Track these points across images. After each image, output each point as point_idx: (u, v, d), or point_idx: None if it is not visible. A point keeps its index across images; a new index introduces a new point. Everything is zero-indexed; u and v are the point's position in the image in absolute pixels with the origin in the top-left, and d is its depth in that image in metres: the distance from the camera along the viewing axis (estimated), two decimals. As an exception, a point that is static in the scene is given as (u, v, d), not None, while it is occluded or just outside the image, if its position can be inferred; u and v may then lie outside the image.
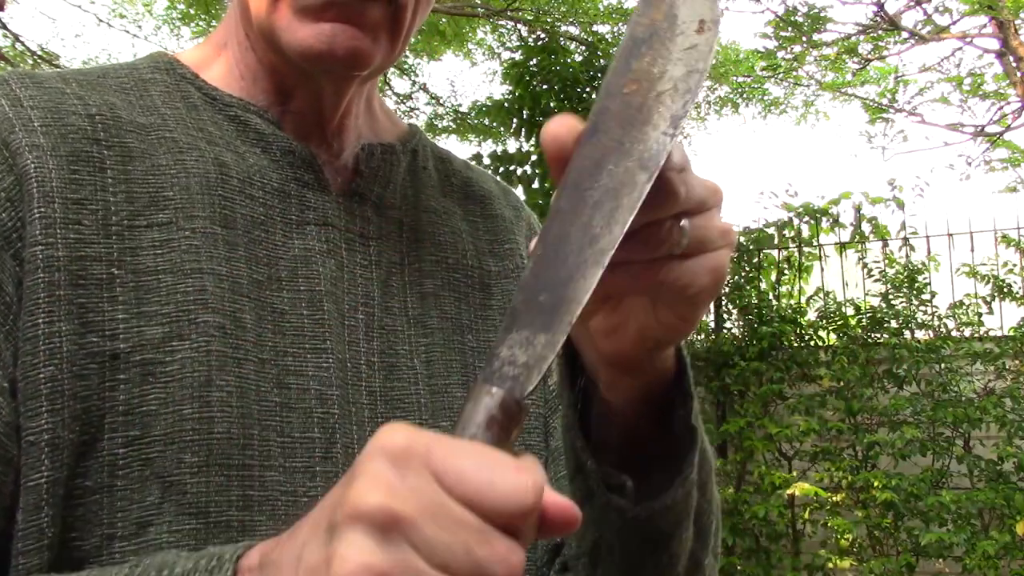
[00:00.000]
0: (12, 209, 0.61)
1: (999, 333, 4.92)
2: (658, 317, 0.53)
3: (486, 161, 5.93)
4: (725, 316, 5.44)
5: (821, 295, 5.21)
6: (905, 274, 5.03)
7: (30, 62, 9.24)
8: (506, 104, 6.20)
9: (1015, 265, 5.04)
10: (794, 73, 9.48)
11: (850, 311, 5.11)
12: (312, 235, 0.70)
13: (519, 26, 9.18)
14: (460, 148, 10.24)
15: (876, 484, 4.30)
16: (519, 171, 5.89)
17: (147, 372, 0.60)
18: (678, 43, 0.49)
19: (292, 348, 0.66)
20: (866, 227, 5.42)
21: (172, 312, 0.62)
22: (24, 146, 0.62)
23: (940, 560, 4.39)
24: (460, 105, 10.46)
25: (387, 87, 9.82)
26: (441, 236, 0.79)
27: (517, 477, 0.37)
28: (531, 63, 6.05)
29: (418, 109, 10.66)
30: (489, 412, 0.43)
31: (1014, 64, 7.49)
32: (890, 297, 4.99)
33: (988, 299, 4.98)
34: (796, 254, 5.55)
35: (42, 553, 0.57)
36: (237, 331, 0.63)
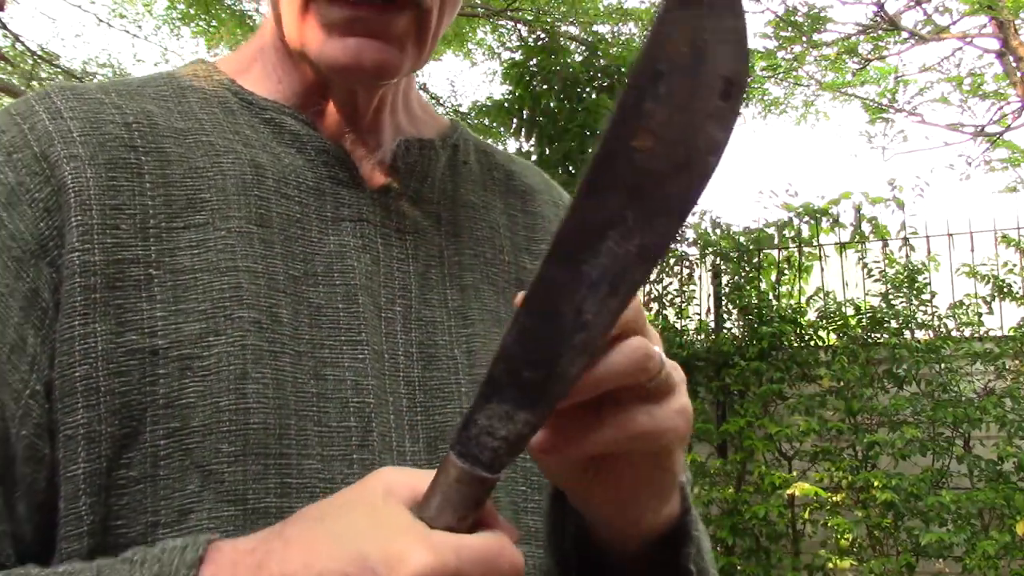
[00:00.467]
0: (49, 219, 0.64)
1: (999, 333, 4.92)
2: (642, 477, 0.56)
3: (486, 161, 5.92)
4: (725, 316, 5.45)
5: (821, 295, 5.21)
6: (905, 274, 5.03)
7: (30, 62, 9.24)
8: (506, 104, 6.20)
9: (1015, 265, 5.05)
10: (794, 73, 9.49)
11: (850, 311, 5.11)
12: (347, 231, 0.72)
13: (519, 26, 9.18)
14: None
15: (876, 484, 4.30)
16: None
17: (185, 367, 0.63)
18: (701, 99, 0.42)
19: (328, 341, 0.68)
20: (866, 227, 5.42)
21: (208, 309, 0.64)
22: (63, 158, 0.66)
23: (940, 560, 4.40)
24: (460, 105, 10.47)
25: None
26: (479, 231, 0.81)
27: (513, 571, 0.47)
28: (531, 63, 6.05)
29: (418, 109, 10.65)
30: (477, 498, 0.47)
31: (1014, 64, 7.50)
32: (890, 297, 4.99)
33: (988, 299, 4.98)
34: (796, 254, 5.55)
35: (82, 539, 0.60)
36: (273, 325, 0.66)
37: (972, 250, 5.26)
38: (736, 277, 5.41)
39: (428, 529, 0.46)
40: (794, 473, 4.78)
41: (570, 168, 5.84)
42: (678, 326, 5.46)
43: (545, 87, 6.02)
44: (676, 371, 0.54)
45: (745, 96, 0.45)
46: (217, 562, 0.51)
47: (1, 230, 0.64)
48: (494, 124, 6.75)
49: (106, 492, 0.61)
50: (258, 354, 0.64)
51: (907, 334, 4.88)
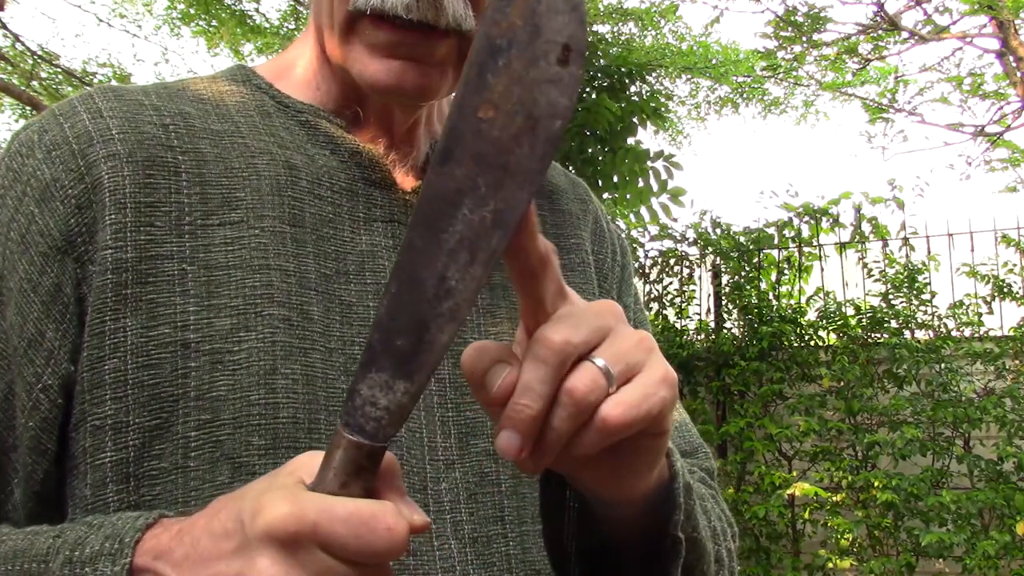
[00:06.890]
0: (80, 215, 0.66)
1: (999, 333, 4.92)
2: (636, 449, 0.53)
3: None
4: (725, 316, 5.44)
5: (821, 295, 5.21)
6: (905, 274, 5.03)
7: (30, 62, 9.23)
8: (506, 104, 6.19)
9: (1015, 265, 5.04)
10: (794, 73, 9.48)
11: (850, 311, 5.11)
12: (379, 231, 0.74)
13: (519, 26, 9.14)
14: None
15: (876, 484, 4.30)
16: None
17: (216, 360, 0.64)
18: (540, 69, 0.44)
19: (359, 338, 0.70)
20: (866, 227, 5.42)
21: (240, 305, 0.66)
22: (101, 157, 0.67)
23: (940, 560, 4.39)
24: (460, 105, 10.43)
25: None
26: None
27: (389, 535, 0.45)
28: (531, 63, 6.04)
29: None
30: (358, 464, 0.47)
31: (1014, 64, 7.49)
32: (890, 297, 4.99)
33: (988, 299, 4.98)
34: (796, 254, 5.55)
35: None
36: (304, 323, 0.67)
37: (972, 250, 5.26)
38: (736, 277, 5.41)
39: (301, 489, 0.47)
40: (794, 473, 4.78)
41: (569, 168, 5.84)
42: (678, 326, 5.46)
43: (545, 87, 6.01)
44: (643, 341, 0.50)
45: (584, 61, 0.46)
46: (155, 528, 0.53)
47: (31, 225, 0.66)
48: (494, 124, 6.75)
49: (136, 481, 0.62)
50: (288, 350, 0.66)
51: (907, 334, 4.88)
